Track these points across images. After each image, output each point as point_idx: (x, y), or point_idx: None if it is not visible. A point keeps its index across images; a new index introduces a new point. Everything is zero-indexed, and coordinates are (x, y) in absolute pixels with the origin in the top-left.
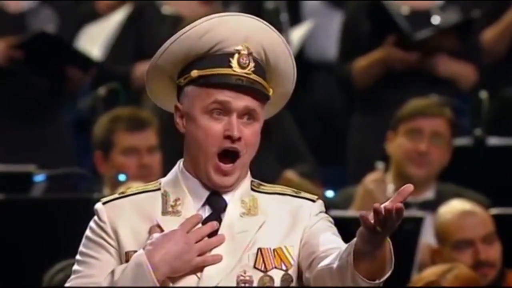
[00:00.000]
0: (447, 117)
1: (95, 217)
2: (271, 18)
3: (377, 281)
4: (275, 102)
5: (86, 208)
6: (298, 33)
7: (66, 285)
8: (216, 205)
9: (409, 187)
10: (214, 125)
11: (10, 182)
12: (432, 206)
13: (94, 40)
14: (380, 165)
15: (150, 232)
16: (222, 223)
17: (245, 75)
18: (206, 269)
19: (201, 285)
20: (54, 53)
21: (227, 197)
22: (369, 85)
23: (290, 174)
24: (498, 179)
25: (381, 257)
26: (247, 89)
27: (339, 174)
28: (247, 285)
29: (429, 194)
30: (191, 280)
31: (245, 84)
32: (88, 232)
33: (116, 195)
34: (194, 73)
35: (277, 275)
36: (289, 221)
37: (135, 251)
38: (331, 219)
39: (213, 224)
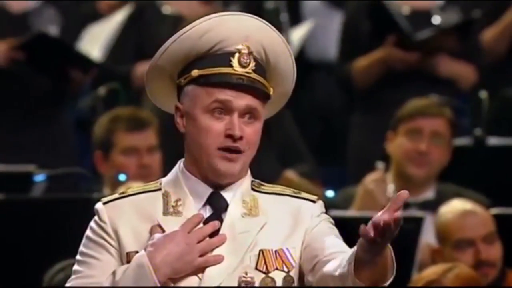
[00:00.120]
0: (447, 117)
1: (96, 217)
2: (271, 18)
3: None
4: (275, 101)
5: (86, 208)
6: (298, 33)
7: (67, 285)
8: (217, 205)
9: (403, 193)
10: (215, 124)
11: (10, 182)
12: (432, 206)
13: (96, 40)
14: (380, 165)
15: (151, 232)
16: (224, 223)
17: (246, 74)
18: (207, 270)
19: (202, 285)
20: (54, 54)
21: (228, 197)
22: (369, 85)
23: (290, 174)
24: (498, 179)
25: (382, 264)
26: (248, 88)
27: (339, 174)
28: (248, 286)
29: (429, 194)
30: (192, 281)
31: (246, 83)
32: (88, 232)
33: (117, 195)
34: (195, 72)
35: (278, 277)
36: (290, 223)
37: (136, 252)
38: (331, 220)
39: (215, 223)
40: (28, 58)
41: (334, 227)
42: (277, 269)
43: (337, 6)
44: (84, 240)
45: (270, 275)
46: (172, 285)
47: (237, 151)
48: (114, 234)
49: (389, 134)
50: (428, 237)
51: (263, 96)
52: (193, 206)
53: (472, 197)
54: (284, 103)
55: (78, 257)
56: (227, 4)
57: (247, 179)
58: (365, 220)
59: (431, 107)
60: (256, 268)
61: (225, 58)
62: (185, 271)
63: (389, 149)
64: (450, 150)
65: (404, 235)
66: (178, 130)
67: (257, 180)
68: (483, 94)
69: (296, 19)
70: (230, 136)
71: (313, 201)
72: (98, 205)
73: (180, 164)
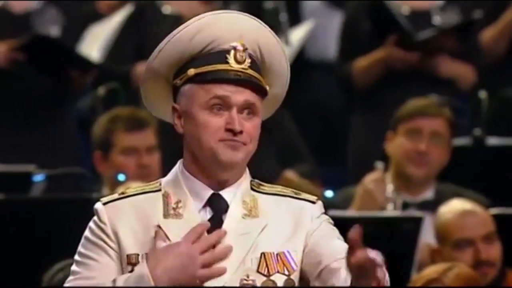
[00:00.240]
0: (447, 117)
1: (95, 218)
2: (271, 18)
3: None
4: (268, 104)
5: (86, 208)
6: (298, 34)
7: (65, 285)
8: (217, 206)
9: (354, 232)
10: (215, 119)
11: (9, 182)
12: (431, 206)
13: (96, 40)
14: (379, 165)
15: (155, 237)
16: (224, 225)
17: (243, 70)
18: None
19: (206, 281)
20: (52, 55)
21: (228, 197)
22: (369, 85)
23: (290, 174)
24: (498, 179)
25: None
26: (246, 82)
27: (339, 174)
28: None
29: (428, 194)
30: None
31: (244, 78)
32: (87, 233)
33: (116, 196)
34: (191, 71)
35: (280, 280)
36: (291, 225)
37: (137, 254)
38: (331, 221)
39: (221, 232)
40: (28, 59)
41: (335, 228)
42: (278, 272)
43: (337, 6)
44: (83, 240)
45: (272, 278)
46: None
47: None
48: (114, 235)
49: (388, 134)
50: (427, 237)
51: (260, 91)
52: (194, 207)
53: (472, 197)
54: (276, 106)
55: (76, 257)
56: (227, 4)
57: (246, 179)
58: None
59: (431, 107)
60: (258, 271)
61: (220, 55)
62: (186, 283)
63: (388, 149)
64: (450, 150)
65: (404, 235)
66: (176, 131)
67: (256, 180)
68: (483, 94)
69: (296, 19)
70: (230, 131)
71: (313, 202)
72: (98, 205)
73: (179, 164)
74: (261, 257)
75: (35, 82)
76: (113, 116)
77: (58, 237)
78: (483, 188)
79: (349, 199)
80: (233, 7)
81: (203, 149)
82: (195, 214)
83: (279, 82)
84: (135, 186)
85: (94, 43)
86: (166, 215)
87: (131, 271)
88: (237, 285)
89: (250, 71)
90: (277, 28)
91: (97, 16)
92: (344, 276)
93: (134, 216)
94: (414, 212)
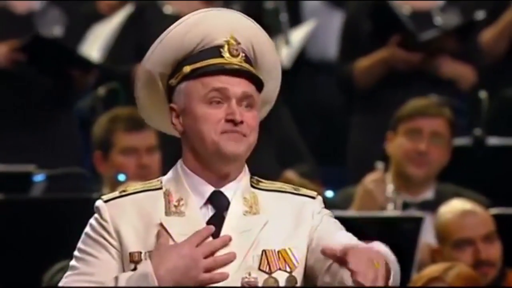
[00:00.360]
0: (447, 117)
1: (96, 215)
2: (271, 18)
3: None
4: (261, 104)
5: (86, 208)
6: (299, 34)
7: (63, 280)
8: (218, 203)
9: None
10: (214, 111)
11: (9, 182)
12: (431, 206)
13: (97, 40)
14: (379, 165)
15: (158, 236)
16: (226, 222)
17: (238, 63)
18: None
19: (207, 285)
20: (53, 55)
21: (228, 194)
22: (370, 85)
23: (290, 174)
24: (498, 179)
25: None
26: (243, 74)
27: (339, 174)
28: (252, 286)
29: (428, 194)
30: None
31: (240, 69)
32: (88, 229)
33: (117, 193)
34: (186, 68)
35: (281, 277)
36: (292, 221)
37: (139, 252)
38: (332, 214)
39: (226, 238)
40: (28, 59)
41: (337, 221)
42: (280, 269)
43: (338, 6)
44: (83, 236)
45: (273, 275)
46: None
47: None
48: (116, 233)
49: (388, 134)
50: (427, 237)
51: (257, 84)
52: (195, 205)
53: (472, 197)
54: (268, 108)
55: (76, 253)
56: (227, 4)
57: (246, 176)
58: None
59: (431, 107)
60: (259, 269)
61: (214, 50)
62: (188, 285)
63: (388, 149)
64: (450, 150)
65: (404, 235)
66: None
67: (255, 177)
68: (483, 94)
69: (296, 19)
70: (230, 121)
71: (313, 197)
72: (99, 203)
73: (179, 163)
74: (262, 254)
75: (36, 82)
76: (113, 116)
77: (58, 237)
78: (483, 188)
79: (349, 199)
80: (233, 7)
81: (205, 142)
82: (197, 211)
83: (272, 81)
84: (135, 185)
85: (95, 43)
86: (168, 213)
87: (134, 269)
88: (239, 282)
89: (245, 64)
90: (277, 28)
91: (97, 16)
92: (342, 239)
93: (135, 214)
94: (414, 212)
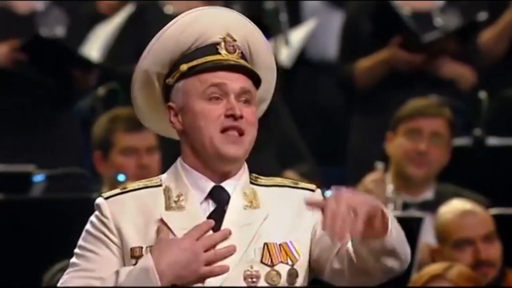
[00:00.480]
0: (447, 117)
1: (97, 212)
2: (271, 18)
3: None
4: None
5: (86, 208)
6: (299, 34)
7: (64, 276)
8: (219, 198)
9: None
10: (213, 107)
11: (9, 182)
12: (431, 206)
13: (98, 40)
14: (379, 165)
15: (158, 231)
16: (226, 216)
17: (235, 59)
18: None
19: (208, 278)
20: (53, 55)
21: (229, 189)
22: (371, 85)
23: (290, 174)
24: (498, 179)
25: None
26: (241, 69)
27: (339, 174)
28: (254, 279)
29: (428, 194)
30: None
31: (238, 65)
32: (88, 226)
33: (118, 191)
34: (183, 67)
35: (283, 270)
36: (292, 215)
37: (140, 247)
38: None
39: (225, 232)
40: (29, 59)
41: None
42: (281, 262)
43: (338, 6)
44: (83, 234)
45: (275, 268)
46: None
47: (239, 132)
48: (116, 230)
49: (388, 134)
50: (427, 237)
51: (255, 80)
52: (196, 200)
53: (471, 197)
54: (264, 108)
55: (76, 250)
56: (228, 4)
57: (246, 172)
58: None
59: (431, 107)
60: (261, 262)
61: (211, 48)
62: (189, 278)
63: (388, 149)
64: (450, 150)
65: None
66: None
67: (253, 174)
68: (483, 94)
69: (296, 19)
70: (230, 116)
71: (312, 190)
72: (100, 200)
73: (179, 160)
74: (264, 247)
75: (36, 82)
76: (113, 116)
77: (58, 237)
78: (483, 188)
79: None
80: (233, 7)
81: (204, 139)
82: (197, 206)
83: (267, 80)
84: (135, 182)
85: (96, 43)
86: (168, 207)
87: (135, 264)
88: (241, 276)
89: (242, 61)
90: (277, 28)
91: (97, 16)
92: None
93: (136, 210)
94: (414, 212)
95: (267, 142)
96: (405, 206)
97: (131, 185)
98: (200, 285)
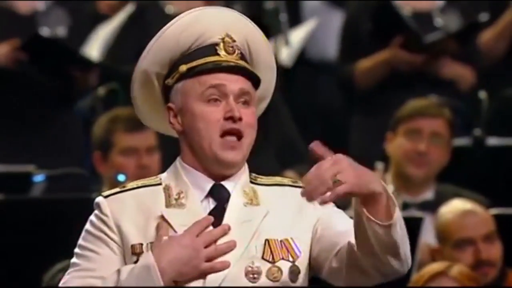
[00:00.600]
0: (446, 117)
1: (96, 211)
2: (271, 18)
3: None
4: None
5: (86, 208)
6: (299, 34)
7: (65, 277)
8: (219, 195)
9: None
10: (213, 109)
11: (9, 182)
12: (431, 206)
13: (99, 40)
14: (379, 165)
15: (158, 228)
16: (227, 213)
17: (234, 60)
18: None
19: (209, 274)
20: (53, 55)
21: (229, 187)
22: (371, 86)
23: (290, 174)
24: (498, 179)
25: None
26: (239, 70)
27: None
28: (255, 275)
29: (428, 194)
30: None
31: (237, 66)
32: (88, 226)
33: (117, 189)
34: (182, 67)
35: (284, 266)
36: (293, 212)
37: (140, 244)
38: (333, 204)
39: (225, 227)
40: (29, 58)
41: (341, 210)
42: (283, 258)
43: (338, 6)
44: (83, 233)
45: (277, 264)
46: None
47: (238, 135)
48: (116, 228)
49: (388, 135)
50: (427, 238)
51: (254, 81)
52: (196, 197)
53: (471, 198)
54: (263, 107)
55: (76, 250)
56: (228, 4)
57: (246, 172)
58: None
59: (431, 107)
60: (263, 258)
61: (210, 48)
62: (190, 275)
63: (388, 150)
64: (450, 151)
65: None
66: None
67: (253, 174)
68: (483, 94)
69: (296, 19)
70: (229, 118)
71: None
72: (99, 199)
73: (178, 160)
74: (265, 243)
75: (37, 82)
76: (113, 116)
77: (58, 237)
78: (483, 188)
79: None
80: (234, 7)
81: (203, 143)
82: (198, 204)
83: (267, 79)
84: (135, 181)
85: (96, 43)
86: (168, 205)
87: (136, 261)
88: (242, 272)
89: (241, 62)
90: (277, 28)
91: (98, 16)
92: (348, 226)
93: (135, 208)
94: (414, 213)
95: (267, 142)
96: (405, 206)
97: (130, 184)
98: (201, 283)
